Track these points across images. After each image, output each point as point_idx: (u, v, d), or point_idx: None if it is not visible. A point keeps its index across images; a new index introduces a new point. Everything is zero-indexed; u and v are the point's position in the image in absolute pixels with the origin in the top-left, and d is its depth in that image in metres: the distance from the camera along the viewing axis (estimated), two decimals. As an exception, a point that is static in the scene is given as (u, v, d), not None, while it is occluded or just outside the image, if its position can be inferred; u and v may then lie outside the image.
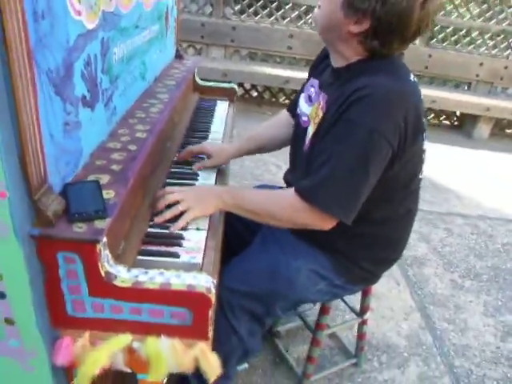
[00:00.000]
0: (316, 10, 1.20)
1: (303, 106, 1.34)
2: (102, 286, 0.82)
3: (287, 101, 4.64)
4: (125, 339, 0.87)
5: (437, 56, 4.41)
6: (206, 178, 1.39)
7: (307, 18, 4.27)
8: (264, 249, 1.36)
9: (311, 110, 1.28)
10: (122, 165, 1.00)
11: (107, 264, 0.83)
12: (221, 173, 1.45)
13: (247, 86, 4.62)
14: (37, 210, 0.76)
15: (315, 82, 1.31)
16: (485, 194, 3.49)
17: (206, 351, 0.89)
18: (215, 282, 0.89)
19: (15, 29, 0.64)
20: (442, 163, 3.92)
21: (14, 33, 0.64)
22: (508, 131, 4.95)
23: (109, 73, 1.09)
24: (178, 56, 1.99)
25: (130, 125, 1.21)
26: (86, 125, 0.96)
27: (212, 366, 0.91)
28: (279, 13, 4.29)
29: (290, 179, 1.44)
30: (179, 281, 0.85)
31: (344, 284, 1.34)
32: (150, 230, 1.10)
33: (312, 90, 1.31)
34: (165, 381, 1.00)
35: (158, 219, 1.12)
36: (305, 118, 1.31)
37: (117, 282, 0.83)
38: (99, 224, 0.81)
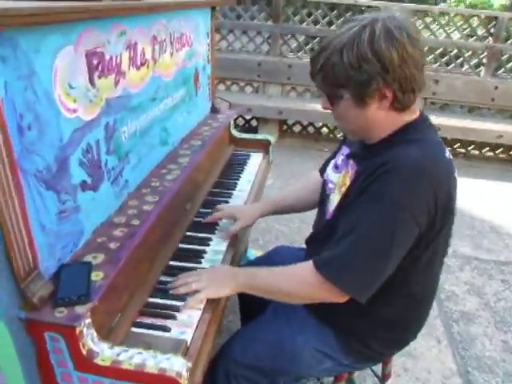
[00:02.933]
0: (342, 130, 1.21)
1: (330, 173, 1.32)
2: (84, 363, 0.89)
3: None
4: (106, 414, 0.93)
5: (503, 87, 4.16)
6: (218, 244, 1.44)
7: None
8: (272, 321, 1.35)
9: (337, 177, 1.26)
10: (120, 242, 1.07)
11: (91, 342, 0.89)
12: (233, 239, 1.48)
13: (305, 122, 4.65)
14: (23, 296, 0.84)
15: (346, 150, 1.29)
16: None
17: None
18: (190, 365, 0.92)
19: (-6, 149, 0.74)
20: (506, 204, 3.66)
21: (-7, 153, 0.73)
22: None
23: (116, 152, 1.18)
24: (214, 110, 2.08)
25: (141, 195, 1.29)
26: (87, 206, 1.05)
27: None
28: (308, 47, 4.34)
29: (310, 244, 1.41)
30: (153, 363, 0.89)
31: (352, 363, 1.30)
32: (150, 299, 1.16)
33: (341, 157, 1.29)
34: None
35: (173, 291, 1.18)
36: (331, 185, 1.28)
37: (97, 361, 0.88)
38: (79, 309, 0.88)
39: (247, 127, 4.74)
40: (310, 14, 4.39)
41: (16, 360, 0.89)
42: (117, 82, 1.14)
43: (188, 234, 1.46)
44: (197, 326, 1.09)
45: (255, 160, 2.06)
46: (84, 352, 0.88)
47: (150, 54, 1.31)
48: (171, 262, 1.31)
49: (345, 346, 1.25)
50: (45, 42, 0.84)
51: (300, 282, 1.13)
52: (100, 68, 1.04)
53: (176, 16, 1.49)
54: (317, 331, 1.27)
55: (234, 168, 1.95)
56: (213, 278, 1.19)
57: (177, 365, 0.89)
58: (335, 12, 4.32)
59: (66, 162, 0.96)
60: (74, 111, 0.96)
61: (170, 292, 1.17)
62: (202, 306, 1.15)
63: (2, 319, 0.83)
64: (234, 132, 2.18)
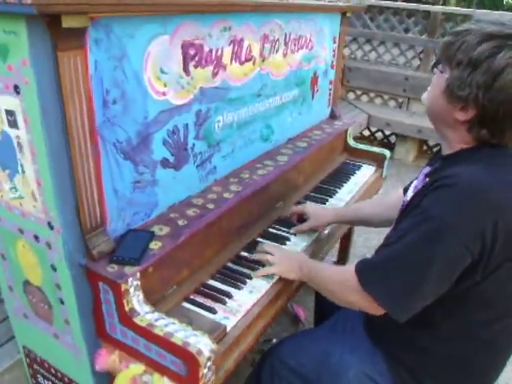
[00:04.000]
0: (425, 93, 1.14)
1: (409, 192, 1.26)
2: (125, 319, 0.99)
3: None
4: (138, 368, 1.02)
5: None
6: (296, 244, 1.44)
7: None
8: (327, 332, 1.32)
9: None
10: (188, 221, 1.15)
11: (136, 302, 0.99)
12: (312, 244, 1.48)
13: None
14: (86, 246, 0.97)
15: (427, 169, 1.22)
16: None
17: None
18: (215, 348, 0.95)
19: (76, 115, 0.86)
20: None
21: (75, 119, 0.86)
22: None
23: (206, 139, 1.27)
24: (332, 116, 2.07)
25: (227, 184, 1.36)
26: (166, 182, 1.15)
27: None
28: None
29: None
30: (182, 335, 0.94)
31: None
32: (210, 281, 1.22)
33: (421, 177, 1.23)
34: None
35: (248, 257, 1.31)
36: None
37: (136, 320, 0.97)
38: (127, 269, 0.97)
39: (385, 142, 4.56)
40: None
41: (75, 301, 1.02)
42: (215, 74, 1.22)
43: (270, 230, 1.49)
44: (243, 316, 1.12)
45: (365, 172, 2.00)
46: (127, 309, 0.98)
47: (257, 51, 1.37)
48: (242, 253, 1.35)
49: (394, 377, 1.16)
50: (140, 29, 0.95)
51: (341, 283, 1.12)
52: (197, 58, 1.13)
53: (295, 17, 1.52)
54: (368, 354, 1.20)
55: (340, 176, 1.92)
56: (285, 258, 1.28)
57: (202, 343, 0.93)
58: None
59: (149, 138, 1.06)
60: (164, 94, 1.07)
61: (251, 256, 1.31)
62: (255, 299, 1.18)
63: (66, 262, 0.97)
64: (351, 141, 2.13)
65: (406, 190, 1.34)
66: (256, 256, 1.31)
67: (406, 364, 1.15)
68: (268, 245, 1.35)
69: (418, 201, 1.01)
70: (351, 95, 4.72)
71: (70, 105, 0.84)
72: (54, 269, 1.02)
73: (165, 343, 0.95)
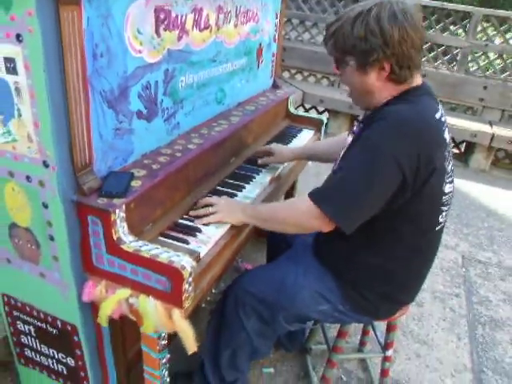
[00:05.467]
0: (349, 95, 1.38)
1: (349, 137, 1.48)
2: (113, 247, 1.14)
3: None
4: (125, 292, 1.17)
5: None
6: (249, 191, 1.64)
7: (445, 58, 4.21)
8: (282, 261, 1.56)
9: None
10: (161, 165, 1.32)
11: (121, 232, 1.14)
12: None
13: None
14: (77, 183, 1.11)
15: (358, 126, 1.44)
16: None
17: (179, 318, 1.13)
18: (194, 265, 1.13)
19: (73, 65, 1.00)
20: None
21: (71, 67, 0.99)
22: None
23: (172, 96, 1.43)
24: (275, 86, 2.28)
25: (189, 138, 1.53)
26: (140, 132, 1.31)
27: (186, 332, 1.14)
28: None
29: None
30: (166, 256, 1.12)
31: (347, 311, 1.45)
32: (179, 220, 1.39)
33: (355, 124, 1.45)
34: (165, 338, 1.28)
35: (193, 213, 1.42)
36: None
37: (123, 246, 1.13)
38: (116, 201, 1.12)
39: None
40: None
41: (66, 236, 1.16)
42: (180, 37, 1.38)
43: (226, 180, 1.68)
44: (212, 246, 1.31)
45: (305, 135, 2.24)
46: (115, 237, 1.13)
47: (214, 20, 1.54)
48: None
49: (342, 292, 1.41)
50: (122, -8, 1.09)
51: (294, 209, 1.32)
52: (166, 22, 1.29)
53: (244, -8, 1.71)
54: (319, 275, 1.44)
55: (283, 138, 2.14)
56: (227, 206, 1.42)
57: (184, 261, 1.11)
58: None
59: (127, 91, 1.21)
60: (140, 52, 1.22)
61: (191, 213, 1.41)
62: (221, 233, 1.37)
63: (60, 198, 1.10)
64: (292, 109, 2.36)
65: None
66: (199, 211, 1.41)
67: (349, 279, 1.40)
68: (207, 198, 1.47)
69: (359, 136, 1.24)
70: (286, 74, 4.98)
71: (67, 54, 0.98)
72: (45, 206, 1.14)
73: (151, 264, 1.11)
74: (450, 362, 2.11)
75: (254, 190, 1.65)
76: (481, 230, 3.34)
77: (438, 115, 1.23)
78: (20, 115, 1.05)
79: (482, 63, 4.45)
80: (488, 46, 4.22)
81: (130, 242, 1.15)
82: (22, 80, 1.00)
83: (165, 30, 1.29)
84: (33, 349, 1.54)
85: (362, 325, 2.05)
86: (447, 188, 1.29)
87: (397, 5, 1.17)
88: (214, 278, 1.30)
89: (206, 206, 1.42)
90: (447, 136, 1.24)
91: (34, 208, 1.17)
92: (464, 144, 4.68)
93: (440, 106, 1.28)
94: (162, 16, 1.26)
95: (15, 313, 1.47)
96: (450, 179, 1.29)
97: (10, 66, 1.00)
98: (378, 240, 1.33)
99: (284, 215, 1.35)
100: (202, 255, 1.26)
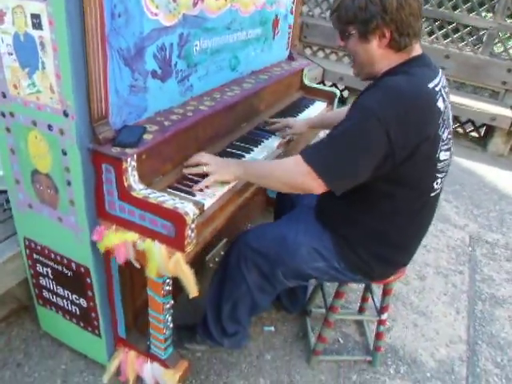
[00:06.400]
0: (352, 66, 1.46)
1: None
2: (124, 193, 1.25)
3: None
4: (133, 236, 1.28)
5: None
6: (257, 154, 1.73)
7: (470, 39, 4.17)
8: (285, 220, 1.65)
9: None
10: (172, 123, 1.41)
11: (132, 180, 1.25)
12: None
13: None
14: (93, 132, 1.22)
15: None
16: None
17: (181, 261, 1.24)
18: (197, 212, 1.23)
19: (93, 22, 1.09)
20: None
21: (91, 24, 1.09)
22: None
23: (186, 59, 1.51)
24: (290, 58, 2.34)
25: (201, 100, 1.62)
26: (154, 91, 1.40)
27: (186, 276, 1.25)
28: (441, 32, 4.28)
29: None
30: (172, 202, 1.22)
31: (342, 269, 1.53)
32: (189, 176, 1.49)
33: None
34: (169, 284, 1.40)
35: (185, 170, 1.48)
36: None
37: (133, 193, 1.24)
38: (128, 150, 1.23)
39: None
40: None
41: (82, 181, 1.27)
42: (195, 3, 1.45)
43: (236, 143, 1.77)
44: (216, 200, 1.41)
45: (318, 106, 2.30)
46: (126, 184, 1.24)
47: (229, -12, 1.61)
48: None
49: (338, 250, 1.50)
50: (140, -44, 1.17)
51: (286, 166, 1.40)
52: (182, -13, 1.36)
53: (261, -38, 1.76)
54: (318, 233, 1.53)
55: (296, 108, 2.21)
56: (220, 165, 1.47)
57: (188, 208, 1.21)
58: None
59: (143, 51, 1.30)
60: (156, 15, 1.30)
61: (184, 170, 1.48)
62: (226, 189, 1.46)
63: (78, 145, 1.21)
64: (306, 81, 2.42)
65: None
66: (193, 170, 1.47)
67: (344, 236, 1.49)
68: (199, 155, 1.50)
69: (355, 101, 1.33)
70: (308, 51, 4.99)
71: (88, 12, 1.07)
72: (64, 153, 1.26)
73: (158, 209, 1.21)
74: (446, 333, 2.19)
75: (261, 152, 1.73)
76: (492, 212, 3.36)
77: (431, 84, 1.29)
78: (44, 68, 1.15)
79: (509, 45, 4.38)
80: (516, 27, 4.15)
81: (139, 190, 1.25)
82: (46, 35, 1.10)
83: (180, -6, 1.37)
84: (50, 290, 1.68)
85: (362, 292, 2.15)
86: (442, 155, 1.35)
87: None
88: (215, 230, 1.40)
89: (198, 165, 1.48)
90: (441, 104, 1.29)
91: (54, 155, 1.29)
92: (484, 128, 4.64)
93: (439, 76, 1.34)
94: (178, -19, 1.34)
95: (35, 255, 1.62)
96: (445, 147, 1.35)
97: (36, 21, 1.10)
98: (375, 203, 1.41)
99: (277, 172, 1.41)
100: (206, 207, 1.36)
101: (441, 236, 2.97)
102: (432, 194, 1.42)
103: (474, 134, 4.78)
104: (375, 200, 1.40)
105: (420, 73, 1.30)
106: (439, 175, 1.39)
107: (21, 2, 1.08)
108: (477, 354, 2.10)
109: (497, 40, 4.33)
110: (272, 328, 2.07)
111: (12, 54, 1.18)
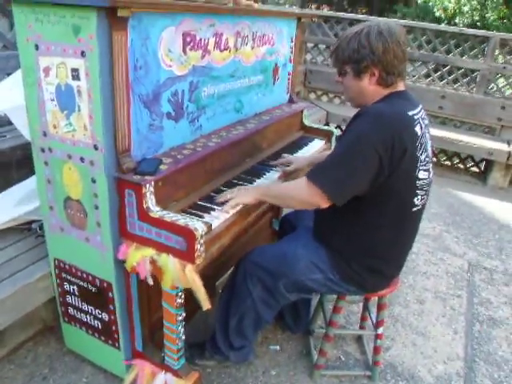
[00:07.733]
0: (345, 96, 1.74)
1: None
2: (143, 214, 1.47)
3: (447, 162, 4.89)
4: (150, 251, 1.50)
5: None
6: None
7: (464, 80, 4.44)
8: (286, 240, 1.86)
9: None
10: (184, 156, 1.65)
11: (150, 203, 1.48)
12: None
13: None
14: (118, 163, 1.46)
15: None
16: None
17: (192, 272, 1.45)
18: (205, 229, 1.44)
19: (119, 73, 1.36)
20: None
21: (118, 75, 1.36)
22: None
23: (196, 102, 1.77)
24: (290, 101, 2.61)
25: (209, 138, 1.87)
26: (168, 130, 1.65)
27: (197, 286, 1.45)
28: (436, 74, 4.57)
29: None
30: (183, 221, 1.44)
31: (338, 281, 1.72)
32: (198, 202, 1.72)
33: None
34: (181, 297, 1.59)
35: (217, 199, 1.73)
36: None
37: (151, 214, 1.46)
38: (147, 177, 1.46)
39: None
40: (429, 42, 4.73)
41: (108, 205, 1.51)
42: (203, 56, 1.73)
43: (240, 175, 2.00)
44: (223, 222, 1.62)
45: (317, 144, 2.54)
46: (145, 206, 1.46)
47: (232, 43, 1.90)
48: (222, 187, 1.86)
49: (333, 263, 1.70)
50: (158, 21, 1.46)
51: (296, 187, 1.64)
52: (191, 44, 1.64)
53: (260, 20, 2.06)
54: (315, 248, 1.74)
55: (296, 145, 2.45)
56: (242, 191, 1.73)
57: (197, 225, 1.42)
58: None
59: (159, 96, 1.56)
60: (170, 66, 1.57)
61: (215, 200, 1.73)
62: (232, 213, 1.68)
63: (105, 173, 1.45)
64: (306, 121, 2.68)
65: None
66: (220, 199, 1.71)
67: (338, 250, 1.69)
68: (225, 193, 1.74)
69: (347, 128, 1.60)
70: (312, 95, 5.32)
71: (116, 65, 1.34)
72: (93, 181, 1.50)
73: (172, 227, 1.43)
74: (443, 351, 2.31)
75: (263, 182, 1.96)
76: (491, 241, 3.50)
77: (410, 112, 1.53)
78: (79, 110, 1.42)
79: (500, 84, 4.64)
80: (506, 68, 4.43)
81: (156, 211, 1.48)
82: (82, 84, 1.37)
83: (190, 50, 1.65)
84: (75, 307, 1.88)
85: (361, 313, 2.30)
86: (421, 174, 1.57)
87: (383, 25, 1.53)
88: (222, 247, 1.61)
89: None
90: (419, 130, 1.53)
91: (85, 183, 1.53)
92: (484, 164, 4.83)
93: (419, 108, 1.60)
94: (188, 39, 1.61)
95: (63, 274, 1.83)
96: (423, 168, 1.57)
97: (75, 74, 1.37)
98: (365, 215, 1.62)
99: (289, 193, 1.68)
100: (213, 226, 1.57)
101: (440, 264, 3.12)
102: (413, 209, 1.62)
103: (474, 169, 4.97)
104: (365, 212, 1.61)
105: (400, 103, 1.56)
106: (419, 192, 1.60)
107: (64, 60, 1.36)
108: (474, 370, 2.21)
109: (489, 79, 4.60)
110: (277, 347, 2.23)
111: (53, 100, 1.45)
